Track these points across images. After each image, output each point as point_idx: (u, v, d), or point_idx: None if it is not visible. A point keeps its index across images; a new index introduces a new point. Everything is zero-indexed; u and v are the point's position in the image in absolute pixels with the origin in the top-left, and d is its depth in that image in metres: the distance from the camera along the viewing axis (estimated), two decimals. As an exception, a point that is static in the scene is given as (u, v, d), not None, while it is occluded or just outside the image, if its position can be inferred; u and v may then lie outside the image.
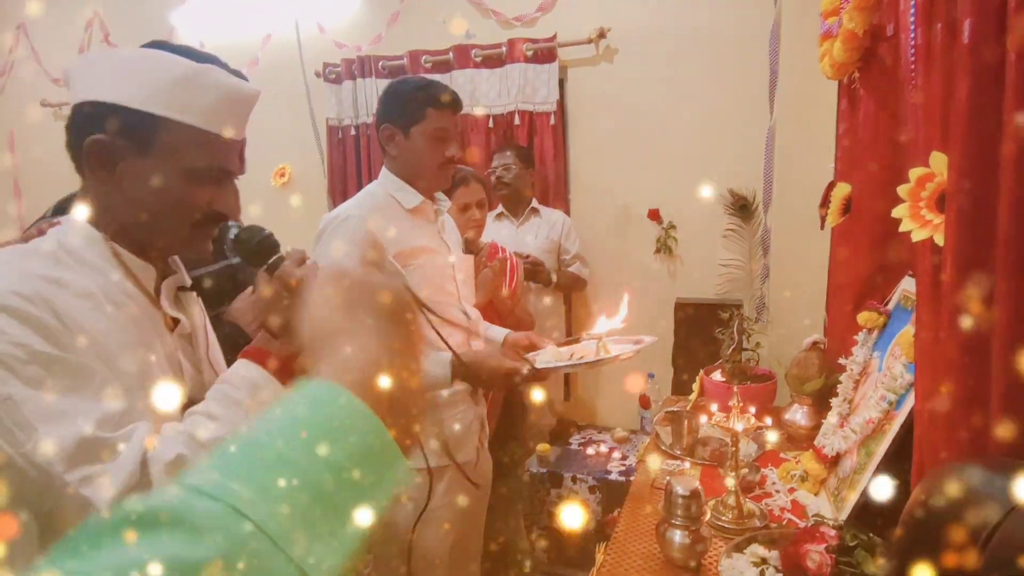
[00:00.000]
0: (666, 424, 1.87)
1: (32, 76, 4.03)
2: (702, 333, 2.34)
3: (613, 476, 2.44)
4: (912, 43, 1.14)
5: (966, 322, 0.81)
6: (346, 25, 3.33)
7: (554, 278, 2.57)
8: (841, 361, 1.55)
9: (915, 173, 0.90)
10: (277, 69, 3.51)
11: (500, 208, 2.72)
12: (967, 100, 0.79)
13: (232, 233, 0.87)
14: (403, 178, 1.49)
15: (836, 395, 1.54)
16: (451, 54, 3.02)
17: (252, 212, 1.19)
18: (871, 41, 1.47)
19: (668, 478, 1.23)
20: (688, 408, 2.05)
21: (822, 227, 1.91)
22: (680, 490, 1.20)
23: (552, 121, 2.90)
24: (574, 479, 2.47)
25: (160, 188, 0.78)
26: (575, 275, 2.72)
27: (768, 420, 1.43)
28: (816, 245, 2.12)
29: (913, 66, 1.11)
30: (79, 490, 0.63)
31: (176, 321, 0.85)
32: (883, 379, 1.30)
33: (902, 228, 0.91)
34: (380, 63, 3.18)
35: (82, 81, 0.79)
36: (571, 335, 2.90)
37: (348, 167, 3.36)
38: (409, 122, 1.45)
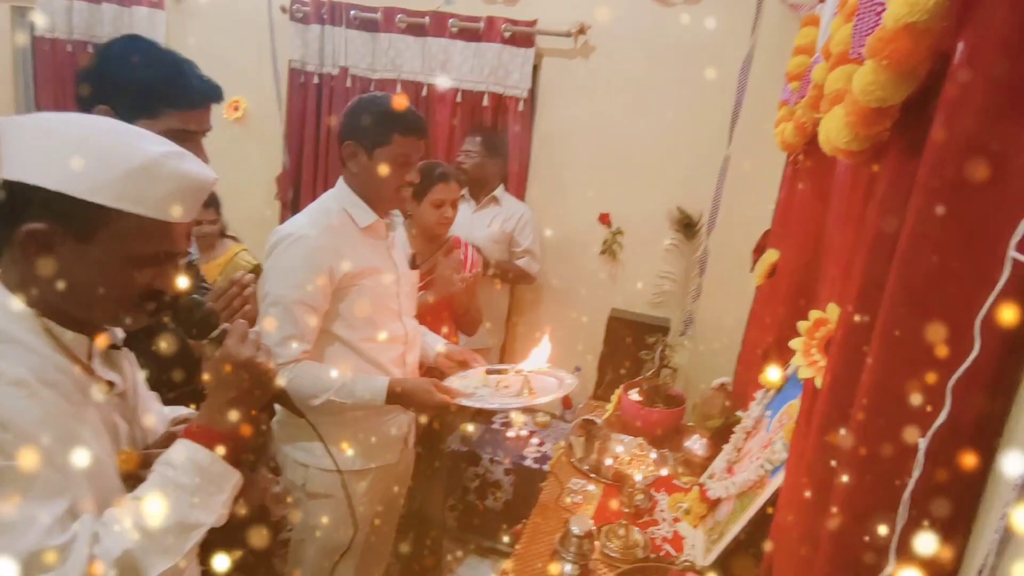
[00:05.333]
0: (580, 434, 2.02)
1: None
2: (629, 349, 2.49)
3: (528, 462, 2.62)
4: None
5: (825, 459, 0.95)
6: (320, -39, 3.13)
7: (491, 269, 2.60)
8: (738, 414, 1.72)
9: (814, 315, 1.02)
10: (240, -5, 3.30)
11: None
12: (863, 266, 0.89)
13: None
14: (360, 195, 1.51)
15: (729, 441, 1.72)
16: (427, 19, 2.92)
17: (206, 144, 1.13)
18: (816, 128, 1.55)
19: (568, 519, 1.38)
20: (604, 420, 2.22)
21: (750, 270, 2.05)
22: (576, 530, 1.36)
23: (520, 107, 2.89)
24: (492, 460, 2.63)
25: (99, 273, 0.77)
26: (520, 268, 2.78)
27: (666, 468, 1.59)
28: (747, 279, 2.26)
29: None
30: None
31: (111, 383, 0.85)
32: (766, 447, 1.47)
33: (792, 362, 1.03)
34: (352, 12, 3.04)
35: (14, 154, 0.73)
36: (509, 322, 3.01)
37: (307, 115, 3.25)
38: (373, 144, 1.45)
